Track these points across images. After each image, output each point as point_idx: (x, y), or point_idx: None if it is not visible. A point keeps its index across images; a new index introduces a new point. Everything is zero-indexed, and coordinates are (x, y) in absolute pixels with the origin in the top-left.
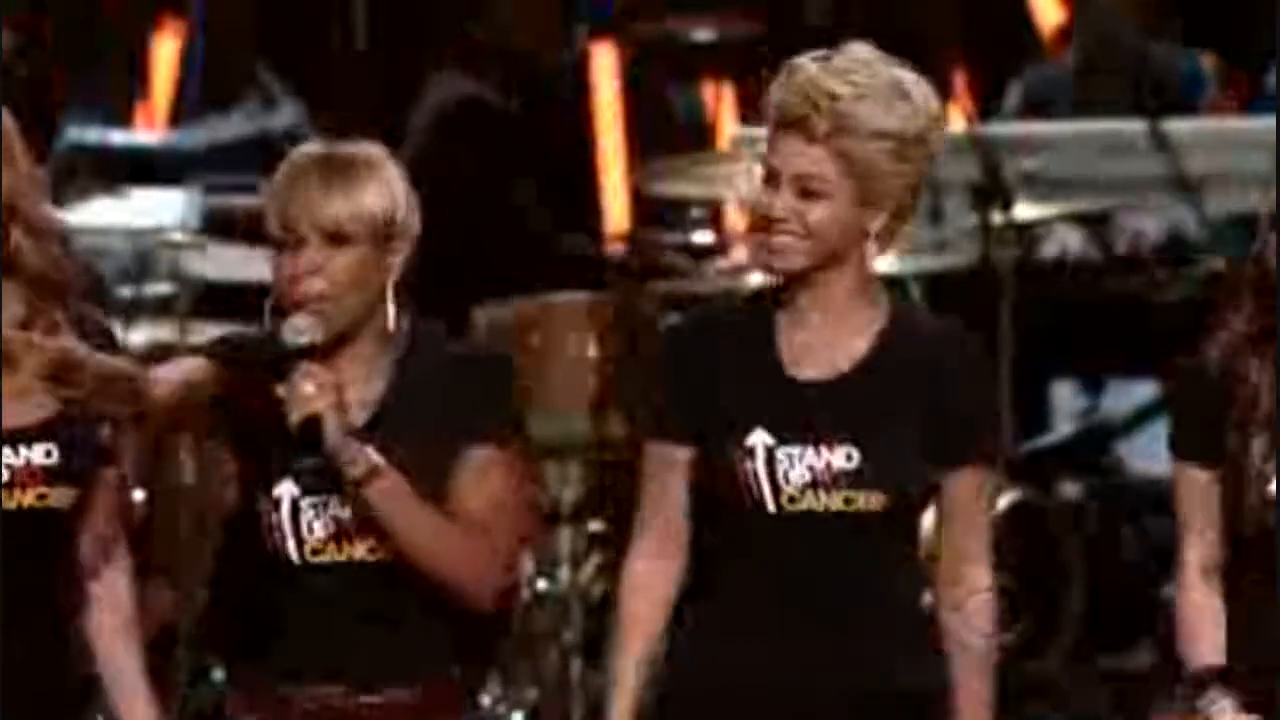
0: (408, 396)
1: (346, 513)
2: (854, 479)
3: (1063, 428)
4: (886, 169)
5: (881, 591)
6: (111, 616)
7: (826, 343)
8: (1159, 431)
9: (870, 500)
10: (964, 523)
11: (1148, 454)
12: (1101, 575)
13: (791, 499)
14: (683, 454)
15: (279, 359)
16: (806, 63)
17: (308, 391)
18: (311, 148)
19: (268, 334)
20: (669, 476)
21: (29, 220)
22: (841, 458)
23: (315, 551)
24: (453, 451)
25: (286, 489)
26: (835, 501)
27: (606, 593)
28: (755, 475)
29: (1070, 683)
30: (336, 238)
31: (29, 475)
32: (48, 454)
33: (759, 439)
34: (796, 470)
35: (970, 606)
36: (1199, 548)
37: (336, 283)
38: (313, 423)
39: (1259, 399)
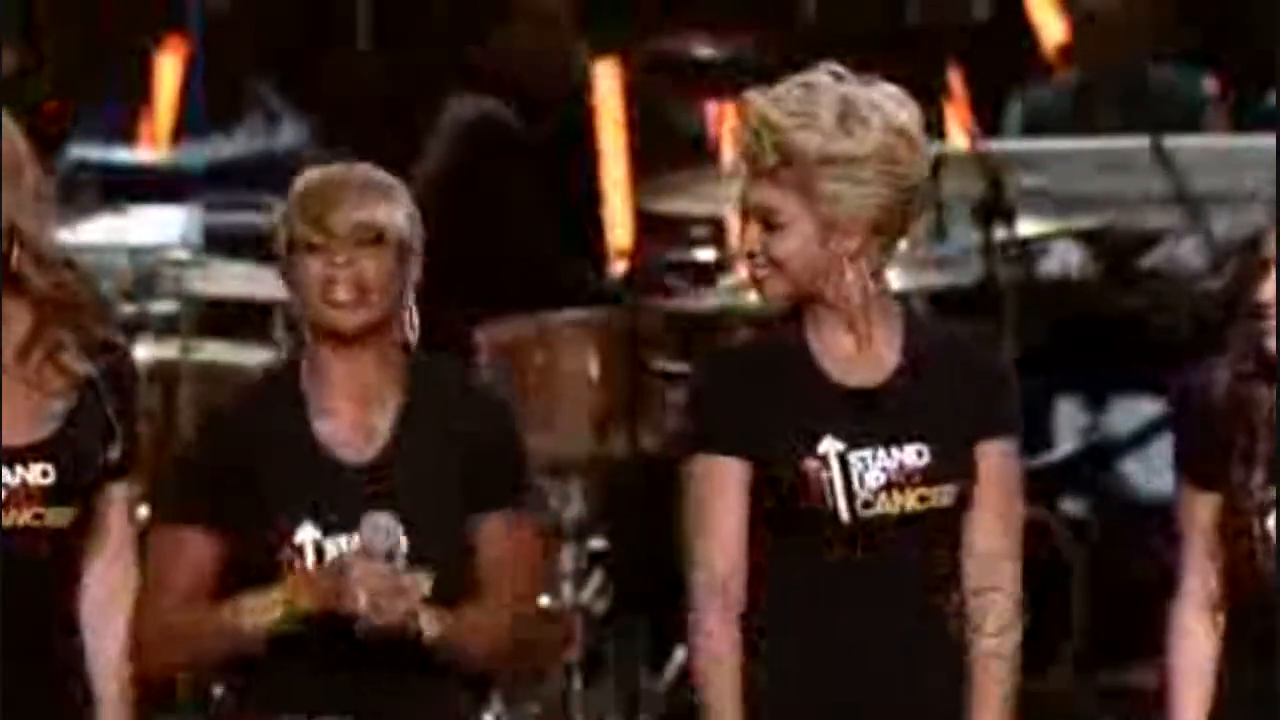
0: (419, 436)
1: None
2: (926, 475)
3: (1066, 444)
4: (844, 193)
5: (951, 586)
6: (105, 643)
7: (855, 352)
8: (1162, 448)
9: (943, 495)
10: (995, 499)
11: (1151, 471)
12: (1105, 592)
13: (866, 503)
14: (739, 467)
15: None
16: (755, 96)
17: (397, 606)
18: (329, 167)
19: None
20: (731, 488)
21: (33, 241)
22: (913, 455)
23: None
24: (470, 512)
25: (309, 534)
26: (910, 500)
27: (608, 610)
28: (830, 482)
29: (1073, 699)
30: (375, 240)
31: (26, 495)
32: (44, 474)
33: (830, 446)
34: (872, 473)
35: (984, 606)
36: (1200, 578)
37: (372, 280)
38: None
39: (1260, 429)
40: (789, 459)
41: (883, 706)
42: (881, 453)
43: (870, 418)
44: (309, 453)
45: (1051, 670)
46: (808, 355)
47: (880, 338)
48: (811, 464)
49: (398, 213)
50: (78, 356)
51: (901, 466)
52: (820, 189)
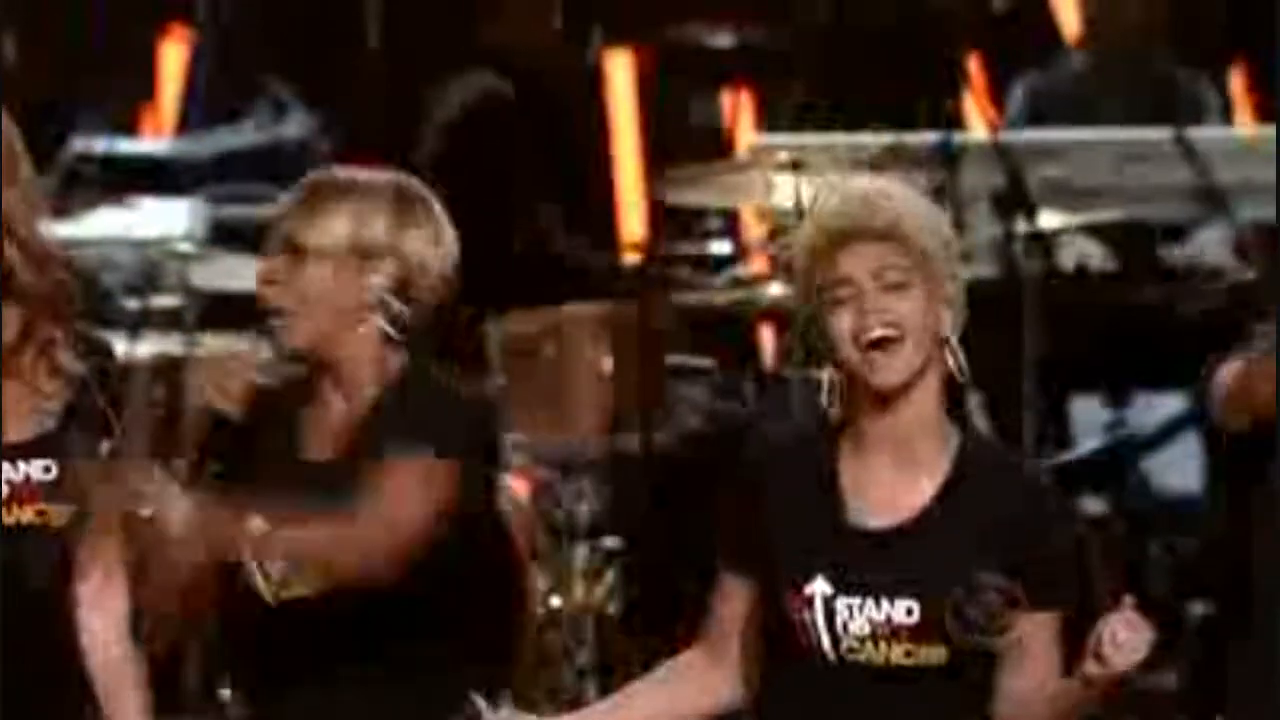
0: (375, 428)
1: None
2: (914, 632)
3: (1087, 442)
4: (943, 259)
5: None
6: (104, 623)
7: (891, 483)
8: (1185, 446)
9: (931, 654)
10: (1031, 670)
11: (1173, 469)
12: (1126, 592)
13: (851, 649)
14: (744, 584)
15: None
16: (840, 181)
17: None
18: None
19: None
20: (729, 602)
21: (26, 240)
22: (902, 612)
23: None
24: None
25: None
26: (896, 654)
27: (622, 610)
28: (814, 624)
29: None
30: (297, 251)
31: (28, 492)
32: (46, 470)
33: (818, 588)
34: (856, 622)
35: None
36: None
37: (296, 295)
38: None
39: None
40: (779, 590)
41: None
42: (870, 604)
43: (870, 566)
44: None
45: (1071, 672)
46: (830, 481)
47: (925, 468)
48: (798, 603)
49: (333, 219)
50: (69, 354)
51: (889, 621)
52: (929, 250)
